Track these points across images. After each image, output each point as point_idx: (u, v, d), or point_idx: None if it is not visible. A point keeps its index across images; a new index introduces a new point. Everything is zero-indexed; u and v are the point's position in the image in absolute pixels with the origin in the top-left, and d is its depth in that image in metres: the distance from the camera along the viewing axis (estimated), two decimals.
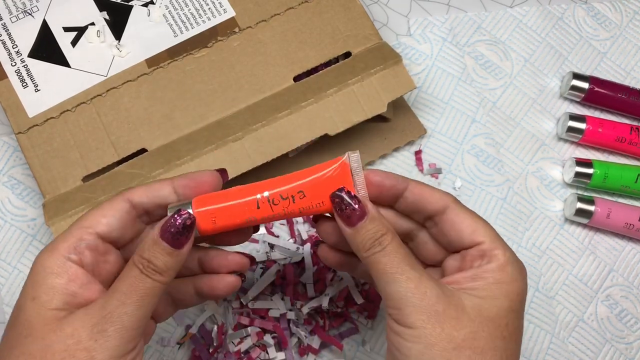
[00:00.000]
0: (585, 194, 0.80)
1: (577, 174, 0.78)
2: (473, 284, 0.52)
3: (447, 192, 0.56)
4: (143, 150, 0.69)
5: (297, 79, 0.72)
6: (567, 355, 0.76)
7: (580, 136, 0.80)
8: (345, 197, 0.52)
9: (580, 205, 0.78)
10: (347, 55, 0.73)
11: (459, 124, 0.80)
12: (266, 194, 0.54)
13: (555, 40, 0.85)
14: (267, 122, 0.69)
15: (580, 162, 0.79)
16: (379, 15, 0.84)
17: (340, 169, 0.54)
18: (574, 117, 0.80)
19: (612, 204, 0.78)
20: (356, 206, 0.52)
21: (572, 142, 0.82)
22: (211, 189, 0.55)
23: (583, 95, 0.81)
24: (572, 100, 0.83)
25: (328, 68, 0.72)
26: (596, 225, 0.79)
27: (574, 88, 0.81)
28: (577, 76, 0.81)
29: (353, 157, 0.55)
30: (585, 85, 0.81)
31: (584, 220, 0.78)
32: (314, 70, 0.73)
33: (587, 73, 0.84)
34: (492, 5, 0.86)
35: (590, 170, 0.78)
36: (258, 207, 0.53)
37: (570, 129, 0.80)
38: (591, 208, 0.78)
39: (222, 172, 0.58)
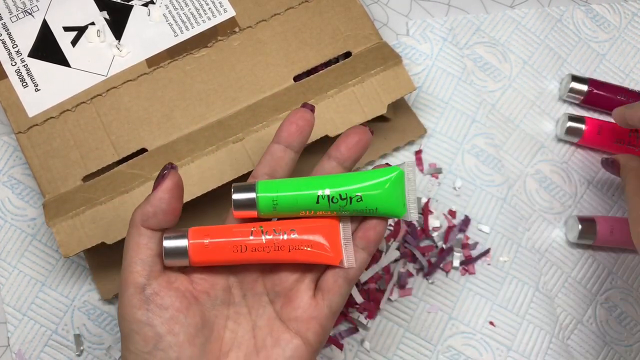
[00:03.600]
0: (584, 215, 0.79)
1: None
2: None
3: None
4: (143, 150, 0.69)
5: (297, 78, 0.72)
6: (566, 356, 0.76)
7: (579, 138, 0.80)
8: None
9: (582, 227, 0.77)
10: (347, 55, 0.73)
11: (459, 123, 0.80)
12: (260, 226, 0.56)
13: (554, 42, 0.85)
14: (268, 123, 0.68)
15: None
16: (379, 15, 0.84)
17: (330, 227, 0.57)
18: (573, 118, 0.80)
19: (613, 220, 0.78)
20: None
21: (571, 144, 0.82)
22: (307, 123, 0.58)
23: (582, 98, 0.81)
24: (571, 103, 0.83)
25: (328, 68, 0.72)
26: (602, 244, 0.78)
27: (573, 90, 0.81)
28: (576, 78, 0.81)
29: (345, 227, 0.58)
30: (584, 87, 0.81)
31: (589, 242, 0.78)
32: (314, 70, 0.73)
33: (586, 75, 0.84)
34: (492, 5, 0.86)
35: (594, 228, 0.78)
36: (251, 235, 0.55)
37: (570, 130, 0.80)
38: (593, 228, 0.77)
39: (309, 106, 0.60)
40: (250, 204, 0.55)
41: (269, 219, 0.57)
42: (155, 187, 0.53)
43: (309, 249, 0.56)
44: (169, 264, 0.54)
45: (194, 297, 0.55)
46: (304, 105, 0.59)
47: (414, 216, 0.57)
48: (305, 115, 0.58)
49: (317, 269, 0.58)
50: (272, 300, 0.58)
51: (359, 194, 0.55)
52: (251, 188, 0.55)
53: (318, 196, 0.55)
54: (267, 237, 0.55)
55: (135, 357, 0.52)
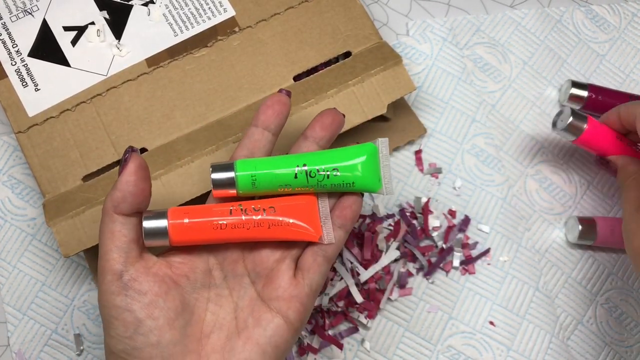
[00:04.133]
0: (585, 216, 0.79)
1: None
2: None
3: None
4: (143, 150, 0.69)
5: (297, 78, 0.72)
6: (566, 356, 0.76)
7: (580, 134, 0.80)
8: None
9: (582, 227, 0.77)
10: (347, 55, 0.73)
11: (459, 123, 0.80)
12: (239, 204, 0.57)
13: (554, 43, 0.85)
14: None
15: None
16: (379, 15, 0.84)
17: (308, 204, 0.59)
18: (575, 114, 0.80)
19: (613, 221, 0.78)
20: None
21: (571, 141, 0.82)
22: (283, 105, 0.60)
23: (582, 104, 0.81)
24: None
25: (328, 68, 0.72)
26: (602, 245, 0.78)
27: (572, 97, 0.81)
28: (576, 84, 0.81)
29: (323, 204, 0.59)
30: (584, 93, 0.81)
31: (589, 242, 0.78)
32: (314, 70, 0.73)
33: (586, 75, 0.84)
34: (492, 5, 0.86)
35: (594, 229, 0.78)
36: (230, 213, 0.56)
37: (571, 126, 0.79)
38: (593, 229, 0.77)
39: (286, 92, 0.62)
40: (229, 183, 0.56)
41: (249, 198, 0.58)
42: (120, 173, 0.54)
43: (288, 225, 0.57)
44: (149, 244, 0.55)
45: (173, 281, 0.56)
46: (280, 90, 0.61)
47: (388, 191, 0.59)
48: (281, 98, 0.60)
49: (297, 249, 0.60)
50: (253, 281, 0.59)
51: (336, 169, 0.57)
52: (229, 167, 0.56)
53: (296, 172, 0.57)
54: (247, 214, 0.56)
55: (117, 343, 0.53)
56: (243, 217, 0.56)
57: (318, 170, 0.57)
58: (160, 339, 0.53)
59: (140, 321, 0.53)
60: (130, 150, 0.54)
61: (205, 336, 0.56)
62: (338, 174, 0.57)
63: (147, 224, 0.55)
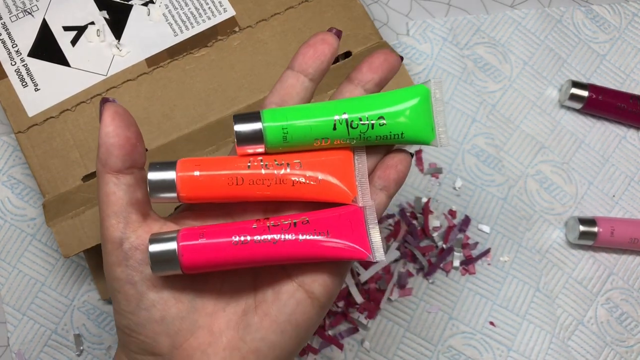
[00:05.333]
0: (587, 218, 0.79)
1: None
2: None
3: None
4: None
5: None
6: (567, 356, 0.76)
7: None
8: None
9: (583, 228, 0.77)
10: (347, 55, 0.73)
11: (459, 124, 0.80)
12: (259, 157, 0.48)
13: (554, 43, 0.85)
14: None
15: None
16: (379, 15, 0.84)
17: (343, 159, 0.49)
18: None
19: (613, 221, 0.78)
20: None
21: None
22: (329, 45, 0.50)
23: (582, 104, 0.81)
24: (571, 108, 0.83)
25: None
26: (602, 245, 0.79)
27: (573, 96, 0.81)
28: (576, 84, 0.81)
29: (359, 160, 0.50)
30: (584, 93, 0.81)
31: (589, 242, 0.78)
32: None
33: (586, 76, 0.84)
34: (492, 5, 0.86)
35: (595, 229, 0.78)
36: (248, 167, 0.48)
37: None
38: (594, 229, 0.77)
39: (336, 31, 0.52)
40: (256, 137, 0.47)
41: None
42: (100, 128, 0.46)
43: (316, 182, 0.48)
44: (155, 200, 0.47)
45: None
46: (330, 29, 0.51)
47: (444, 142, 0.49)
48: (327, 37, 0.50)
49: None
50: None
51: (381, 117, 0.48)
52: (255, 117, 0.47)
53: (335, 121, 0.47)
54: (267, 169, 0.47)
55: (121, 318, 0.48)
56: (263, 172, 0.47)
57: (360, 119, 0.47)
58: (164, 314, 0.47)
59: (142, 295, 0.47)
60: (104, 101, 0.47)
61: (220, 309, 0.49)
62: (384, 122, 0.47)
63: (153, 175, 0.47)
